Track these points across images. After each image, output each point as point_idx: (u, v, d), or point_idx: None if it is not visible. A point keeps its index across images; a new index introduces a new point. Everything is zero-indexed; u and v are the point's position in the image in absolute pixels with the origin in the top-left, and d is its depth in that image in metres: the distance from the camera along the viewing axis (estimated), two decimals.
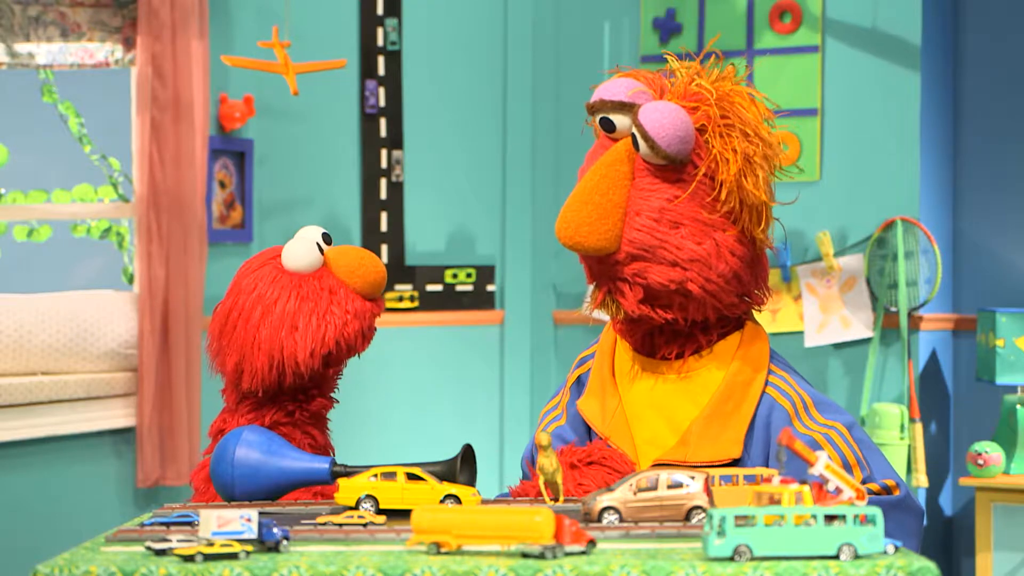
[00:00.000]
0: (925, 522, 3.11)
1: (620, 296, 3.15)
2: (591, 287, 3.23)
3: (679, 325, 3.19)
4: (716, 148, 3.10)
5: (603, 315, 3.33)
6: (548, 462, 2.86)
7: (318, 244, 3.28)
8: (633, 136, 3.10)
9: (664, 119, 3.06)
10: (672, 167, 3.10)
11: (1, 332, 5.14)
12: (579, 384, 3.40)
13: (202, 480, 3.25)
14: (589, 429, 3.32)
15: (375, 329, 3.33)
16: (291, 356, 3.19)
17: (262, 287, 3.24)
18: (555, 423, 3.37)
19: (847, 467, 3.10)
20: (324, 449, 3.34)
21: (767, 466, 3.11)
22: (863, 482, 3.10)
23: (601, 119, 3.17)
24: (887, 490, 3.12)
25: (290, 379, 3.22)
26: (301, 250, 3.27)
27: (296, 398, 3.28)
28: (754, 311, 3.29)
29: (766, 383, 3.20)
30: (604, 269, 3.15)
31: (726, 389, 3.18)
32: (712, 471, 2.77)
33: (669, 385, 3.23)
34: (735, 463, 3.13)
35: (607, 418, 3.26)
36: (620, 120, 3.14)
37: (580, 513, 2.72)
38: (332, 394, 3.36)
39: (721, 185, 3.10)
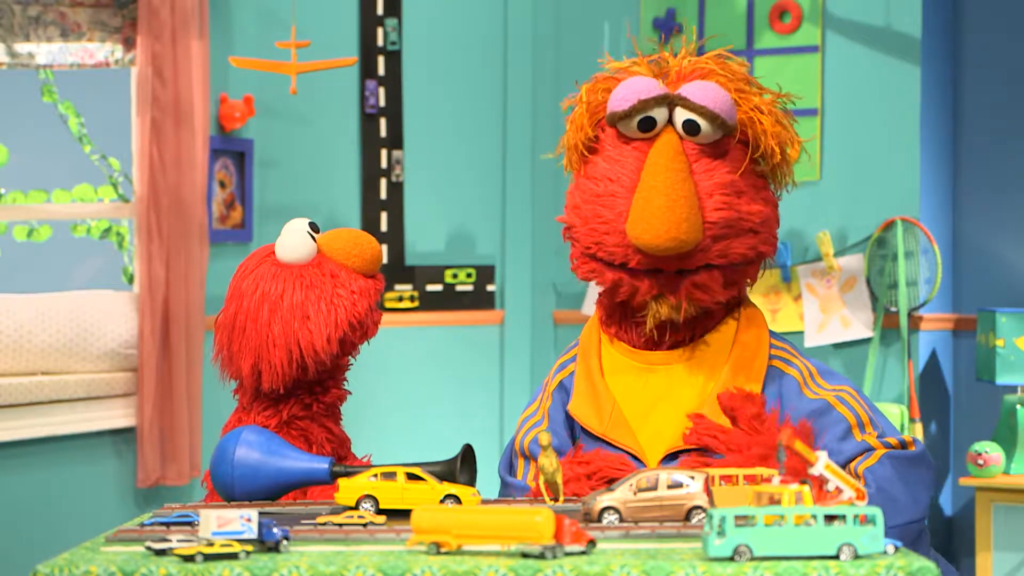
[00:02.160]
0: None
1: (703, 293, 3.17)
2: (649, 301, 3.21)
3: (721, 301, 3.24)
4: (743, 109, 3.17)
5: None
6: (548, 462, 2.86)
7: (309, 233, 3.29)
8: (686, 122, 3.13)
9: (710, 93, 3.13)
10: (716, 142, 3.16)
11: (1, 332, 5.14)
12: (562, 389, 3.38)
13: None
14: (573, 433, 3.32)
15: (380, 313, 3.34)
16: (309, 346, 3.20)
17: (264, 285, 3.24)
18: (536, 429, 3.35)
19: (860, 425, 3.16)
20: (342, 441, 3.35)
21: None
22: (880, 437, 3.15)
23: (642, 120, 3.16)
24: (904, 445, 3.16)
25: (312, 369, 3.23)
26: (295, 241, 3.27)
27: (312, 391, 3.29)
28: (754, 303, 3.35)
29: (771, 356, 3.23)
30: (681, 262, 3.14)
31: (734, 365, 3.21)
32: (712, 471, 2.78)
33: (668, 377, 3.24)
34: None
35: (604, 418, 3.25)
36: (660, 114, 3.16)
37: (580, 513, 2.72)
38: (344, 384, 3.37)
39: (762, 139, 3.17)
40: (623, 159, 3.18)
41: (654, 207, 3.08)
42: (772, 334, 3.30)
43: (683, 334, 3.25)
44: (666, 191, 3.09)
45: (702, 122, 3.10)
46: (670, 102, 3.14)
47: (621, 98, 3.16)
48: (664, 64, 3.27)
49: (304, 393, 3.29)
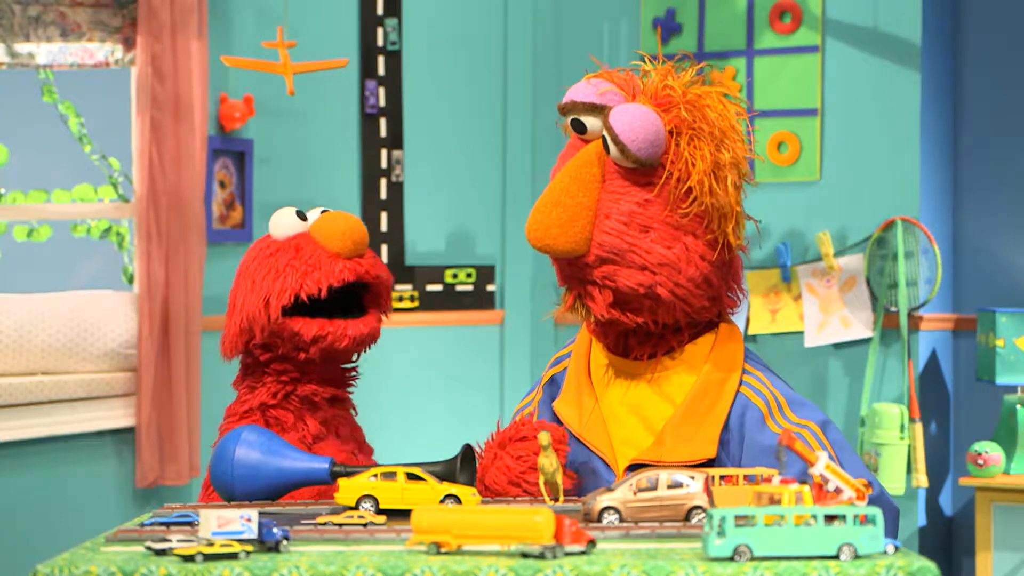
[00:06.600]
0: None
1: (590, 300, 3.14)
2: (563, 290, 3.23)
3: (650, 328, 3.18)
4: (684, 152, 3.09)
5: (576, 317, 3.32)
6: (548, 462, 2.87)
7: (299, 211, 3.35)
8: (604, 139, 3.09)
9: (635, 122, 3.04)
10: (642, 170, 3.09)
11: (1, 332, 5.14)
12: (553, 383, 3.39)
13: None
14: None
15: (372, 327, 3.34)
16: (251, 310, 3.26)
17: (245, 258, 3.35)
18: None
19: None
20: (315, 437, 3.33)
21: (740, 466, 3.10)
22: None
23: (572, 121, 3.15)
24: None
25: (258, 336, 3.26)
26: (281, 217, 3.35)
27: (280, 379, 3.30)
28: (728, 313, 3.28)
29: (740, 383, 3.19)
30: (573, 272, 3.14)
31: (700, 389, 3.17)
32: (712, 471, 2.78)
33: (644, 385, 3.22)
34: (710, 463, 3.13)
35: (584, 419, 3.25)
36: (591, 122, 3.12)
37: (580, 513, 2.72)
38: (332, 386, 3.36)
39: (690, 189, 3.09)
40: (567, 154, 3.21)
41: (538, 205, 3.11)
42: (747, 356, 3.25)
43: (645, 348, 3.23)
44: (553, 193, 3.10)
45: (611, 146, 3.07)
46: (604, 113, 3.11)
47: (565, 95, 3.17)
48: (645, 80, 3.22)
49: (272, 380, 3.31)
